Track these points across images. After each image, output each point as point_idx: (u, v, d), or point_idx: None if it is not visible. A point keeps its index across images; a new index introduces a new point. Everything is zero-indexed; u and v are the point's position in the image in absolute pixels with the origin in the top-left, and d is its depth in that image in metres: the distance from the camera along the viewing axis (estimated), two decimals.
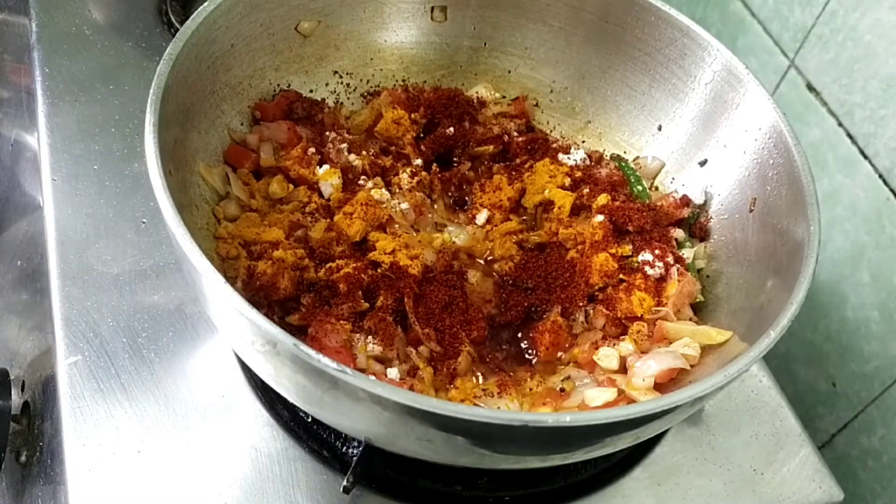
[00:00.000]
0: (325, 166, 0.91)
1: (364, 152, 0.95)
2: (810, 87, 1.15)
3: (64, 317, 0.85)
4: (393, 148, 0.98)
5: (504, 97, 1.06)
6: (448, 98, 1.01)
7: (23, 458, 0.88)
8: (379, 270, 0.84)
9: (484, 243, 0.92)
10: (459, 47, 1.04)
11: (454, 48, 1.04)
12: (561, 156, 0.99)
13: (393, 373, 0.78)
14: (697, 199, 0.94)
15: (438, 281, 0.86)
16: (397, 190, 0.93)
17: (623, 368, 0.81)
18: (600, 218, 0.90)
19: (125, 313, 0.86)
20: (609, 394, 0.77)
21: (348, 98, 1.02)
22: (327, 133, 0.95)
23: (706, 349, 0.80)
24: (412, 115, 0.98)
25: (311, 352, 0.59)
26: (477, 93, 1.04)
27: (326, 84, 1.00)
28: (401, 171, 0.94)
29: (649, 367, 0.78)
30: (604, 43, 0.99)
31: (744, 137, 0.89)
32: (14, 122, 1.16)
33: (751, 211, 0.87)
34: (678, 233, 0.93)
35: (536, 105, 1.06)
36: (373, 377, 0.64)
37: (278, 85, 0.96)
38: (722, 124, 0.92)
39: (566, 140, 1.05)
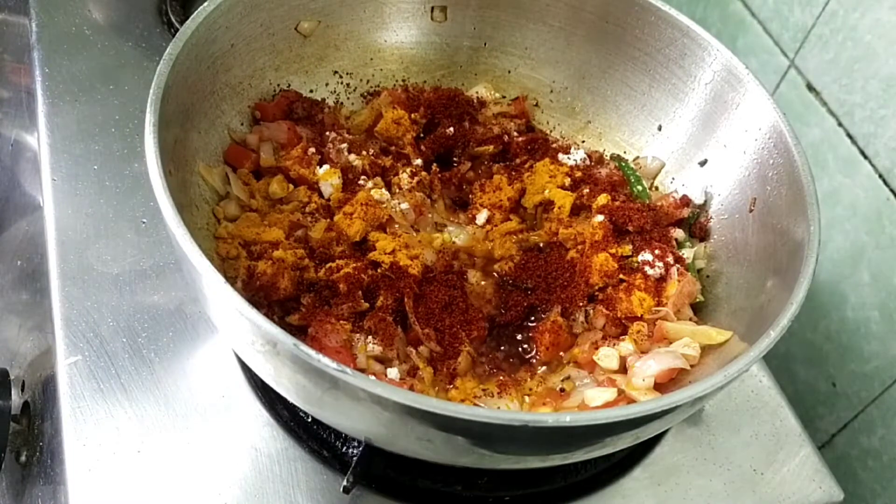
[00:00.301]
0: (325, 166, 0.91)
1: (364, 152, 0.95)
2: (810, 87, 1.15)
3: (64, 317, 0.85)
4: (393, 148, 0.98)
5: (504, 97, 1.06)
6: (448, 98, 1.01)
7: (23, 458, 0.88)
8: (379, 270, 0.84)
9: (484, 243, 0.92)
10: (459, 47, 1.04)
11: (454, 48, 1.04)
12: (561, 156, 0.99)
13: (393, 373, 0.78)
14: (697, 199, 0.94)
15: (438, 281, 0.86)
16: (397, 190, 0.93)
17: (623, 368, 0.81)
18: (600, 218, 0.90)
19: (125, 313, 0.86)
20: (609, 394, 0.77)
21: (348, 98, 1.02)
22: (327, 133, 0.95)
23: (706, 349, 0.80)
24: (412, 115, 0.98)
25: (311, 352, 0.59)
26: (477, 93, 1.04)
27: (326, 84, 1.00)
28: (401, 171, 0.94)
29: (649, 367, 0.78)
30: (604, 43, 0.99)
31: (744, 137, 0.89)
32: (14, 122, 1.16)
33: (751, 211, 0.87)
34: (678, 233, 0.93)
35: (536, 105, 1.06)
36: (373, 377, 0.64)
37: (278, 85, 0.96)
38: (722, 124, 0.92)
39: (566, 140, 1.05)
